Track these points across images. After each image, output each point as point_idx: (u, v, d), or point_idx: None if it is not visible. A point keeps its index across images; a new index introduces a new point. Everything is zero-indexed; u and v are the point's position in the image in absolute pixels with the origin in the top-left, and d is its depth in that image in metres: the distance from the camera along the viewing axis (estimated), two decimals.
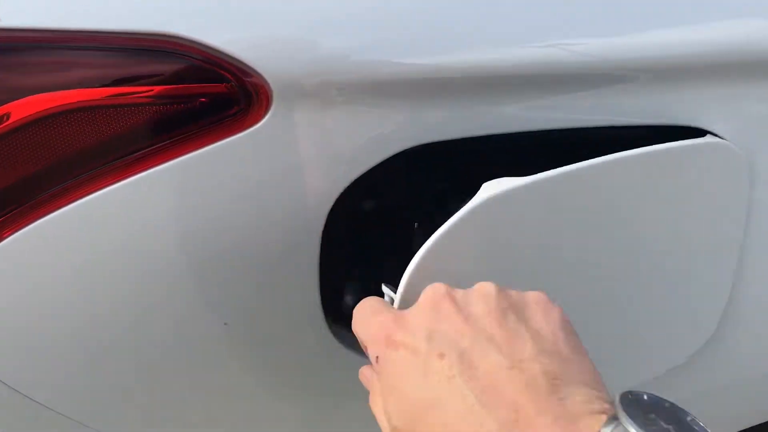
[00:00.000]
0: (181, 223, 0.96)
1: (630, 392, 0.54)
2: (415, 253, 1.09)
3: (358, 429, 1.16)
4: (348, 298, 1.08)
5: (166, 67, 0.90)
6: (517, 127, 1.04)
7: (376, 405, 0.68)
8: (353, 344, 1.14)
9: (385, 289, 0.95)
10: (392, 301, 0.90)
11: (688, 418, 0.51)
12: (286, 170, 0.96)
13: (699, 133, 1.09)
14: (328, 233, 1.03)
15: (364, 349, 0.75)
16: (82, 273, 0.95)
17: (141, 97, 0.91)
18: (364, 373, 0.84)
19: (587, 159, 1.11)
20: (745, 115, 1.10)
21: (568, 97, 1.03)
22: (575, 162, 1.10)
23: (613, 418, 0.51)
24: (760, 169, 1.13)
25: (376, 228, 1.14)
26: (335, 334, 1.11)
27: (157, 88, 0.91)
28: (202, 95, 0.90)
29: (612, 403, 0.54)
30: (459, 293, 0.67)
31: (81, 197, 0.92)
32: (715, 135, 1.09)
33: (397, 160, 1.00)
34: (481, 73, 0.98)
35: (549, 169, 1.10)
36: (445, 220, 1.08)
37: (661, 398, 0.53)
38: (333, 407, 1.16)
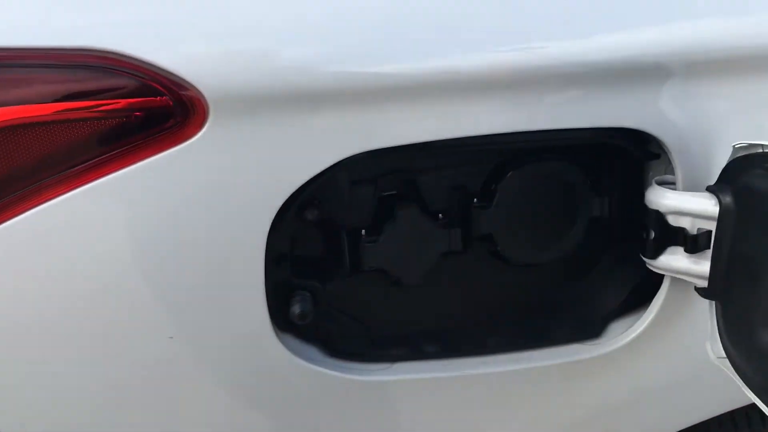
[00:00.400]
0: (124, 235, 0.97)
1: None
2: (363, 259, 1.11)
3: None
4: (296, 308, 1.09)
5: (104, 83, 0.92)
6: (461, 131, 1.05)
7: None
8: (303, 353, 1.15)
9: None
10: None
11: None
12: (227, 182, 0.97)
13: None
14: (273, 243, 1.04)
15: None
16: (28, 282, 0.96)
17: (81, 112, 0.93)
18: None
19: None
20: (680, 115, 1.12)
21: (512, 101, 1.05)
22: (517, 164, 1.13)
23: None
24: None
25: (322, 236, 1.16)
26: (285, 343, 1.12)
27: (96, 103, 0.92)
28: (138, 109, 0.92)
29: None
30: None
31: (26, 210, 0.94)
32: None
33: (340, 168, 1.02)
34: (423, 80, 1.00)
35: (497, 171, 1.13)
36: (391, 227, 1.11)
37: None
38: (288, 417, 1.17)
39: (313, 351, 1.17)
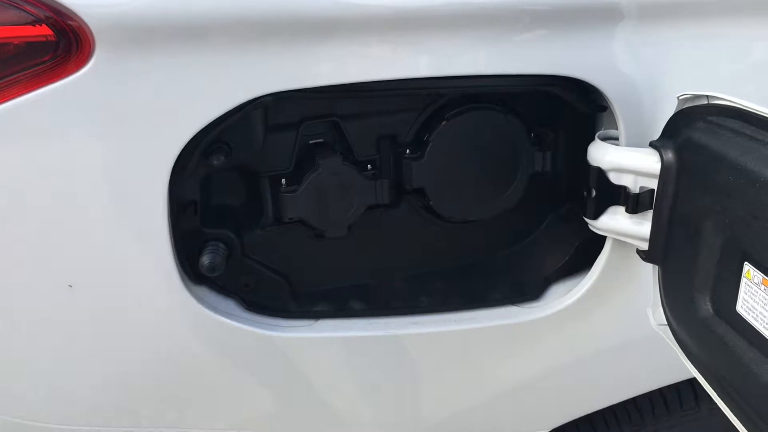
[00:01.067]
0: (14, 172, 0.91)
1: None
2: (283, 209, 1.04)
3: (223, 391, 1.12)
4: (204, 258, 1.03)
5: None
6: (388, 74, 0.97)
7: None
8: (219, 307, 1.09)
9: None
10: None
11: None
12: (120, 121, 0.90)
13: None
14: (178, 189, 0.98)
15: None
16: None
17: None
18: None
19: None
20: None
21: (441, 42, 0.97)
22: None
23: None
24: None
25: (237, 184, 1.09)
26: (198, 296, 1.06)
27: None
28: (19, 39, 0.84)
29: None
30: None
31: None
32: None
33: (254, 109, 0.95)
34: (344, 15, 0.92)
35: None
36: (314, 176, 1.04)
37: None
38: (201, 372, 1.12)
39: (230, 305, 1.11)
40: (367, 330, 1.14)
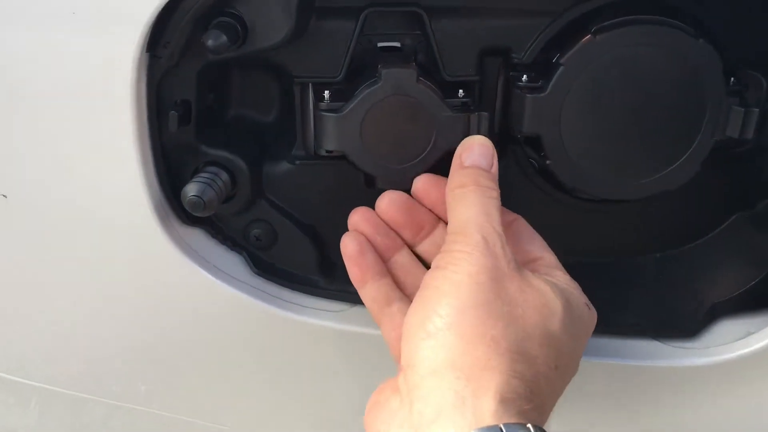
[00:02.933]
0: None
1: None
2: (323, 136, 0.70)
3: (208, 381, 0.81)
4: (189, 188, 0.70)
5: None
6: None
7: None
8: (218, 262, 0.77)
9: None
10: None
11: None
12: None
13: None
14: (156, 79, 0.66)
15: None
16: None
17: None
18: None
19: None
20: None
21: None
22: None
23: None
24: None
25: (247, 85, 0.75)
26: (188, 245, 0.74)
27: None
28: None
29: None
30: None
31: None
32: None
33: None
34: None
35: None
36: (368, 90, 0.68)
37: None
38: (169, 345, 0.81)
39: (231, 261, 0.78)
40: None
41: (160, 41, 0.64)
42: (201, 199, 0.68)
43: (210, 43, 0.62)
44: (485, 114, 0.72)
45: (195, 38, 0.65)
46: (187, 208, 0.69)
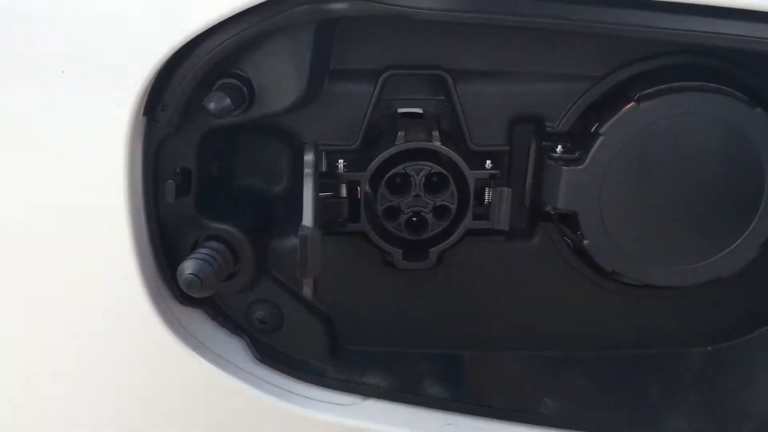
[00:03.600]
0: None
1: None
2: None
3: None
4: (186, 265, 0.63)
5: None
6: None
7: None
8: (219, 349, 0.69)
9: None
10: None
11: None
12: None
13: None
14: (153, 146, 0.59)
15: None
16: None
17: None
18: None
19: None
20: None
21: None
22: None
23: None
24: None
25: (254, 151, 0.69)
26: (185, 329, 0.67)
27: None
28: None
29: None
30: None
31: None
32: None
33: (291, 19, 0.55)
34: None
35: None
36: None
37: None
38: None
39: (232, 348, 0.70)
40: None
41: (158, 104, 0.58)
42: (198, 278, 0.61)
43: (212, 106, 0.57)
44: (507, 190, 0.65)
45: (197, 101, 0.59)
46: (182, 288, 0.62)
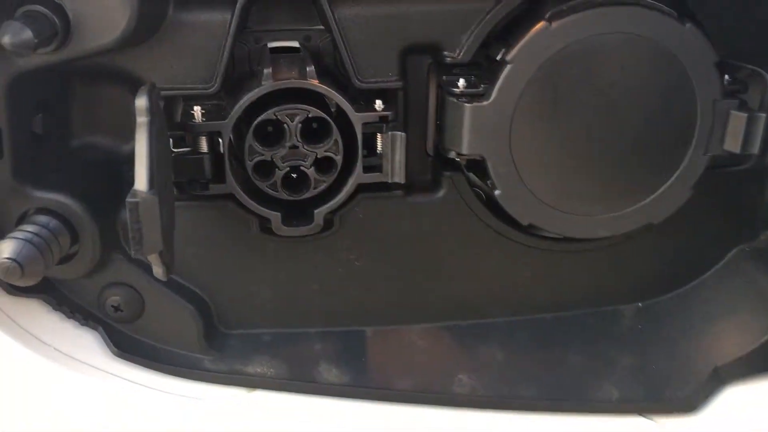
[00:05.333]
0: None
1: None
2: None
3: None
4: (4, 246, 0.51)
5: None
6: None
7: None
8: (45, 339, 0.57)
9: None
10: None
11: None
12: None
13: None
14: None
15: None
16: None
17: None
18: None
19: None
20: None
21: None
22: None
23: None
24: None
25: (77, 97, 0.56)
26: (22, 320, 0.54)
27: None
28: None
29: None
30: None
31: None
32: None
33: None
34: None
35: None
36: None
37: None
38: None
39: (85, 341, 0.58)
40: (344, 426, 0.58)
41: None
42: (16, 263, 0.48)
43: (7, 39, 0.43)
44: (401, 134, 0.55)
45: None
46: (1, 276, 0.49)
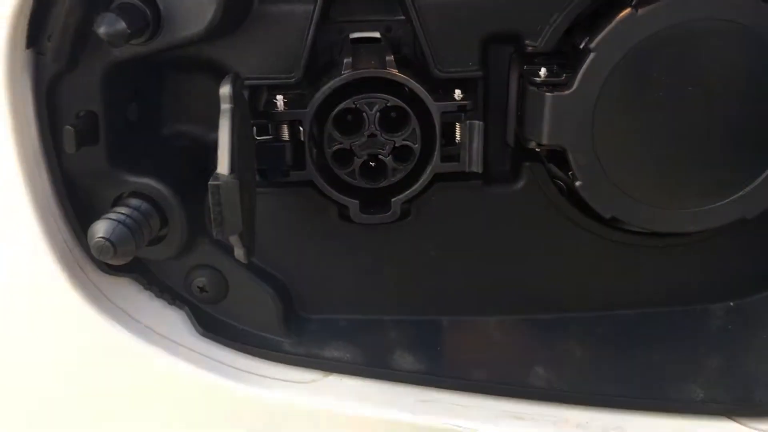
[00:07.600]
0: None
1: None
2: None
3: None
4: (98, 227, 0.53)
5: None
6: None
7: None
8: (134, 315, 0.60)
9: None
10: None
11: None
12: None
13: None
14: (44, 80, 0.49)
15: None
16: None
17: None
18: None
19: None
20: None
21: None
22: None
23: None
24: None
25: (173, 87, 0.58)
26: (92, 295, 0.57)
27: None
28: None
29: None
30: None
31: None
32: None
33: None
34: None
35: None
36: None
37: None
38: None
39: (170, 321, 0.61)
40: (417, 413, 0.58)
41: (44, 32, 0.48)
42: (109, 242, 0.51)
43: (102, 30, 0.46)
44: (479, 123, 0.54)
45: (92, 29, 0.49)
46: (94, 253, 0.52)
